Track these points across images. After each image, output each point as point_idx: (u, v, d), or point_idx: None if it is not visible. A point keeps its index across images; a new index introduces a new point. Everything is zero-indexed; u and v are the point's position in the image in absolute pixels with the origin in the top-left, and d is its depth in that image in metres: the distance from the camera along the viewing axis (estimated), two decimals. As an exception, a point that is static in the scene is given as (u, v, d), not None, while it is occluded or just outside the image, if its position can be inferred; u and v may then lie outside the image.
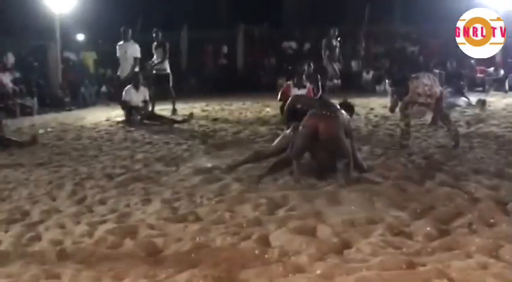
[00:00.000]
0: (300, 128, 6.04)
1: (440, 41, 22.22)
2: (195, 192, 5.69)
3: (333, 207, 4.94)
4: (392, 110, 8.53)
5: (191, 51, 23.93)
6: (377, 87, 19.01)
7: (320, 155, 6.14)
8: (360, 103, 14.76)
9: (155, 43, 13.90)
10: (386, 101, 12.47)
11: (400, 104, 8.12)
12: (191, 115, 12.32)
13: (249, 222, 4.57)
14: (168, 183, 6.21)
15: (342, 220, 4.49)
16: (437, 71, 16.37)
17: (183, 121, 11.89)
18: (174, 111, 13.59)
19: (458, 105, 12.87)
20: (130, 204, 5.41)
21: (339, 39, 16.66)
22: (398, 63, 20.42)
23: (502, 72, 18.53)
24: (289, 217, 4.65)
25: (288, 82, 11.87)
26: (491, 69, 18.87)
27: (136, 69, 12.88)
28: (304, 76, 11.80)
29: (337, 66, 16.70)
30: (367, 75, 20.53)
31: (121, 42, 13.12)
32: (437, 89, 7.80)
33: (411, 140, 8.28)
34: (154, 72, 13.72)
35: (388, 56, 21.91)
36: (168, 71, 13.83)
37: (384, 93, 15.58)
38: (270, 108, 13.79)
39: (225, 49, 24.45)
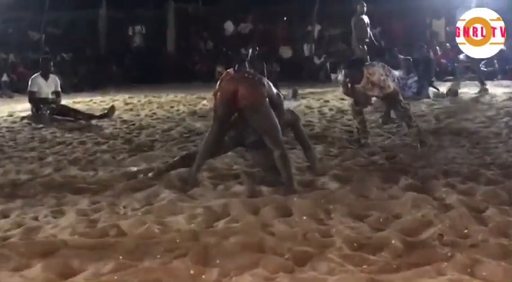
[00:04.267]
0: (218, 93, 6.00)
1: (406, 22, 22.55)
2: (117, 202, 5.63)
3: (282, 217, 4.96)
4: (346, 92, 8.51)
5: (112, 34, 23.62)
6: (332, 76, 19.15)
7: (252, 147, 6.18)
8: (313, 94, 14.90)
9: None
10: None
11: (350, 101, 8.25)
12: (112, 109, 12.13)
13: (183, 236, 4.54)
14: (84, 191, 6.12)
15: (293, 232, 4.51)
16: (402, 56, 16.58)
17: (103, 116, 11.71)
18: None
19: (426, 97, 13.08)
20: (39, 216, 5.29)
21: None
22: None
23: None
24: (231, 230, 4.64)
25: (229, 70, 11.82)
26: (462, 55, 19.25)
27: None
28: (247, 62, 11.76)
29: (369, 47, 16.55)
30: (319, 60, 20.67)
31: None
32: (392, 83, 7.92)
33: (372, 138, 8.39)
34: None
35: (345, 40, 22.12)
36: None
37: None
38: (208, 100, 13.73)
39: (141, 29, 24.01)
